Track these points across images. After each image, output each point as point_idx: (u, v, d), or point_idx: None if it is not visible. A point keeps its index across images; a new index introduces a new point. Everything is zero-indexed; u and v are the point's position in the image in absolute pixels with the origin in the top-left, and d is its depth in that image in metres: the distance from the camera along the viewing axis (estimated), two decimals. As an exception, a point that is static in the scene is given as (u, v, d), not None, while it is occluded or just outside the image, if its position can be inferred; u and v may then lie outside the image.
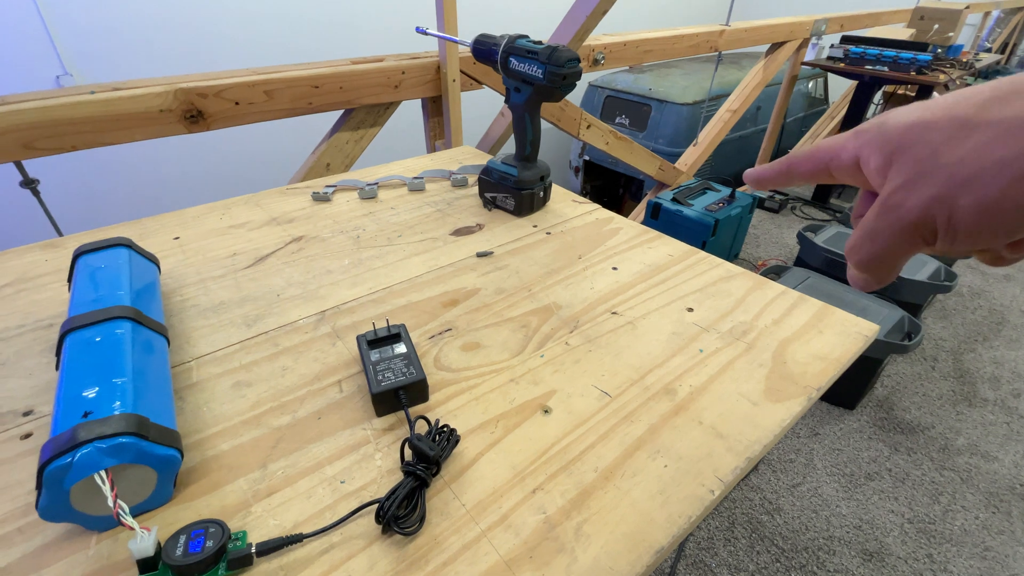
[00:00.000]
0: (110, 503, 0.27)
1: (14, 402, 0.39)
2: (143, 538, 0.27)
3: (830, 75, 3.51)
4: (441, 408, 0.39)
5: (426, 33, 0.70)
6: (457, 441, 0.35)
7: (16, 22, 1.78)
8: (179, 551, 0.27)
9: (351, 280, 0.54)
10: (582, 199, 0.73)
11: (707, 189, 1.84)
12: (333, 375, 0.42)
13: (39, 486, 0.27)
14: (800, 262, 1.72)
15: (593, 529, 0.31)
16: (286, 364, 0.43)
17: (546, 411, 0.39)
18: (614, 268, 0.57)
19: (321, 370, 0.42)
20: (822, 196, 2.61)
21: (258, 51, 2.12)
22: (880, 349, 1.30)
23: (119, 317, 0.38)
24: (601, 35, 1.45)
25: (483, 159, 0.85)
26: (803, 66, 2.36)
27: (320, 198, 0.71)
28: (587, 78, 3.17)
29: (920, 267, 1.56)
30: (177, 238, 0.62)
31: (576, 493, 0.33)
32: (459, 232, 0.64)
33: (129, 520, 0.27)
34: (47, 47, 1.89)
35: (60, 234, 0.92)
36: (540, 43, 0.58)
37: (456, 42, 0.67)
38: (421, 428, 0.36)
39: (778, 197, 2.59)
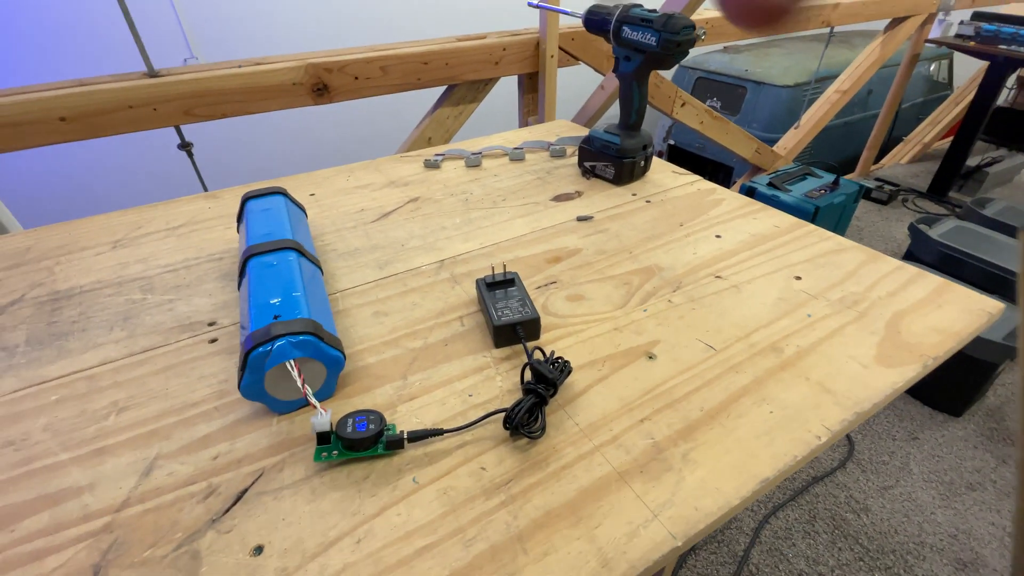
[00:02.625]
0: (299, 385, 0.34)
1: (201, 315, 0.48)
2: (322, 415, 0.33)
3: (956, 56, 3.13)
4: (551, 346, 0.43)
5: (538, 6, 0.73)
6: (570, 371, 0.38)
7: (151, 9, 2.01)
8: (349, 429, 0.33)
9: (463, 236, 0.59)
10: (683, 171, 0.73)
11: (807, 175, 1.73)
12: (455, 312, 0.47)
13: (243, 368, 0.34)
14: (910, 256, 1.58)
15: (700, 456, 0.33)
16: (415, 300, 0.49)
17: (651, 357, 0.41)
18: (717, 236, 0.57)
19: (444, 307, 0.48)
20: (940, 188, 2.35)
21: (374, 30, 2.24)
22: (996, 352, 1.18)
23: (288, 248, 0.45)
24: (702, 9, 1.41)
25: (580, 132, 0.88)
26: (927, 44, 2.12)
27: (431, 165, 0.77)
28: (678, 59, 3.05)
29: (1058, 269, 1.38)
30: (313, 194, 0.70)
31: (683, 426, 0.35)
32: (559, 198, 0.67)
33: (313, 400, 0.34)
34: (177, 32, 2.13)
35: (206, 189, 1.06)
36: (655, 11, 0.59)
37: (568, 13, 0.70)
38: (538, 357, 0.40)
39: (888, 188, 2.37)
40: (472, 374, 0.40)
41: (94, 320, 0.48)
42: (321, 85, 0.94)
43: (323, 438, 0.33)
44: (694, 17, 1.31)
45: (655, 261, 0.53)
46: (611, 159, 0.68)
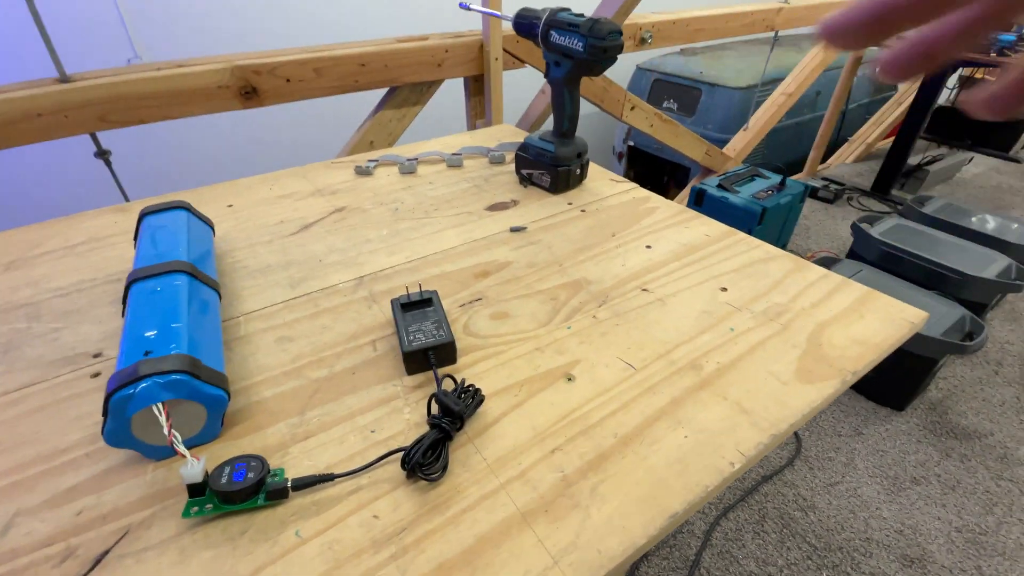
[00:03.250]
0: (165, 431, 0.30)
1: (87, 345, 0.44)
2: (193, 465, 0.30)
3: (901, 57, 3.27)
4: (468, 371, 0.40)
5: (469, 8, 0.71)
6: (481, 400, 0.36)
7: (94, 8, 1.89)
8: (224, 479, 0.30)
9: (388, 249, 0.56)
10: (620, 178, 0.72)
11: (756, 176, 1.77)
12: (368, 335, 0.44)
13: (105, 413, 0.31)
14: (853, 255, 1.63)
15: (608, 490, 0.31)
16: (325, 323, 0.46)
17: (569, 379, 0.39)
18: (648, 247, 0.56)
19: (357, 330, 0.45)
20: (883, 187, 2.45)
21: (310, 30, 2.17)
22: (935, 348, 1.22)
23: (177, 271, 0.41)
24: (648, 13, 1.41)
25: (521, 137, 0.86)
26: (869, 49, 2.21)
27: (362, 172, 0.74)
28: (634, 60, 3.09)
29: (988, 264, 1.45)
30: (231, 205, 0.66)
31: (594, 456, 0.33)
32: (494, 207, 0.65)
33: (181, 448, 0.30)
34: (120, 31, 2.01)
35: (127, 200, 1.00)
36: (581, 16, 0.57)
37: (498, 16, 0.67)
38: (448, 387, 0.38)
39: (833, 187, 2.46)
40: (378, 406, 0.37)
41: (-39, 355, 0.42)
42: (250, 88, 0.89)
43: (196, 490, 0.30)
44: (639, 20, 1.31)
45: (584, 274, 0.51)
46: (547, 167, 0.66)
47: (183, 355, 0.33)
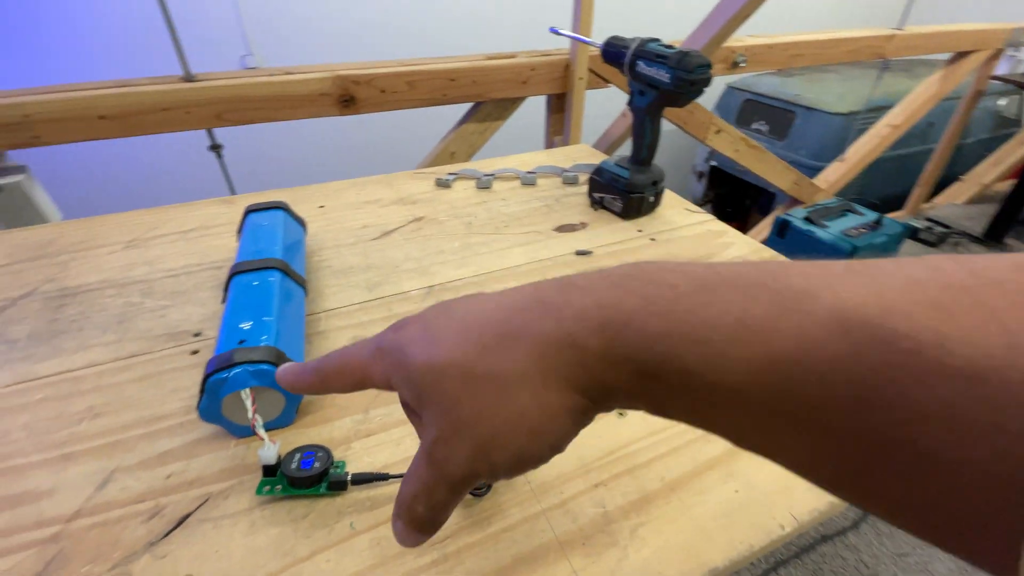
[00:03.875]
0: (249, 415, 0.34)
1: (189, 324, 0.49)
2: (269, 448, 0.33)
3: (1034, 91, 2.92)
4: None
5: (559, 33, 0.73)
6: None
7: (217, 8, 2.10)
8: (294, 465, 0.33)
9: (458, 261, 0.59)
10: (696, 208, 0.71)
11: (848, 211, 1.65)
12: (431, 344, 0.46)
13: (202, 391, 0.35)
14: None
15: (649, 533, 0.31)
16: (393, 328, 0.49)
17: (620, 415, 0.39)
18: (717, 284, 0.55)
19: (422, 338, 0.47)
20: (996, 234, 2.20)
21: (404, 42, 2.29)
22: None
23: (272, 267, 0.46)
24: (745, 36, 1.37)
25: (598, 158, 0.86)
26: (992, 81, 1.99)
27: (442, 184, 0.77)
28: (726, 79, 2.98)
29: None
30: (322, 207, 0.71)
31: (638, 497, 0.33)
32: (562, 228, 0.66)
33: (262, 432, 0.34)
34: (236, 30, 2.22)
35: (233, 192, 1.10)
36: (671, 47, 0.57)
37: (588, 43, 0.68)
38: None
39: (938, 230, 2.24)
40: (434, 414, 0.39)
41: (92, 320, 0.50)
42: (348, 96, 0.96)
43: (269, 471, 0.33)
44: (733, 43, 1.27)
45: (647, 307, 0.51)
46: (619, 192, 0.66)
47: (271, 347, 0.36)
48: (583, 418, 0.19)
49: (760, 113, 2.84)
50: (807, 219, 1.60)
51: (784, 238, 1.64)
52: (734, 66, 1.31)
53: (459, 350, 0.19)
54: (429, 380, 0.19)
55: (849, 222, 1.58)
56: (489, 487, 0.33)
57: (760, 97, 2.80)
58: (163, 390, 0.42)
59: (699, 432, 0.38)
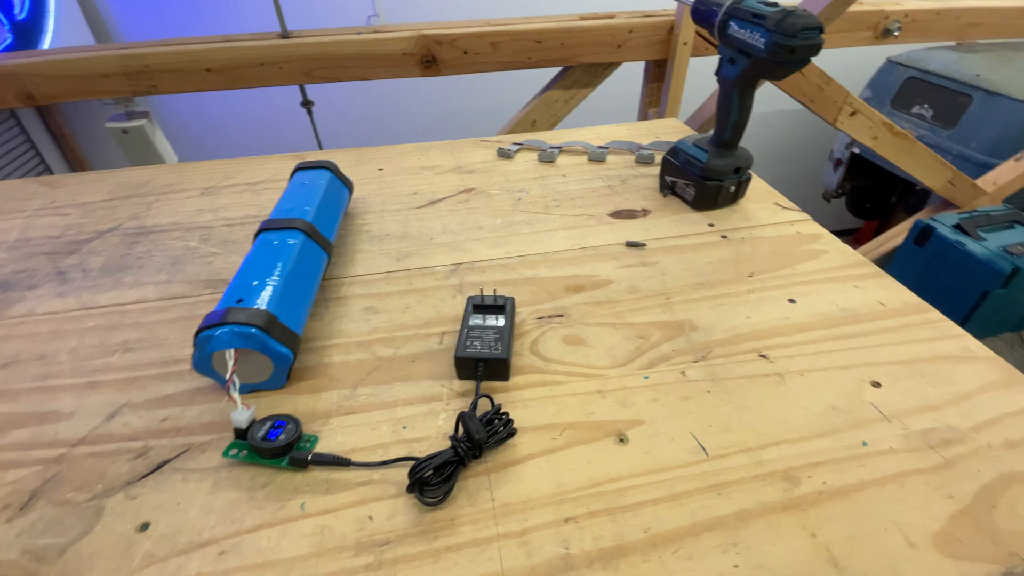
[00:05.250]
0: (228, 375, 0.34)
1: (228, 273, 0.51)
2: (241, 412, 0.33)
3: None
4: (516, 393, 0.37)
5: (649, -12, 0.63)
6: (512, 434, 0.33)
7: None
8: (260, 434, 0.32)
9: (495, 240, 0.55)
10: (789, 204, 0.59)
11: (1016, 222, 1.32)
12: (440, 325, 0.44)
13: (194, 345, 0.35)
14: None
15: (610, 594, 0.26)
16: (409, 303, 0.47)
17: (621, 440, 0.34)
18: (791, 300, 0.45)
19: (433, 317, 0.45)
20: None
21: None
22: None
23: (296, 228, 0.46)
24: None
25: (685, 135, 0.76)
26: None
27: (503, 154, 0.73)
28: (885, 51, 2.52)
29: None
30: (381, 169, 0.71)
31: (611, 545, 0.28)
32: (619, 214, 0.58)
33: (235, 394, 0.34)
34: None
35: (321, 147, 1.16)
36: (774, 4, 0.47)
37: (680, 1, 0.59)
38: (484, 405, 0.35)
39: None
40: (419, 403, 0.37)
41: (153, 259, 0.54)
42: (430, 57, 0.94)
43: (240, 434, 0.33)
44: (889, 7, 1.04)
45: (692, 316, 0.44)
46: (693, 178, 0.57)
47: (264, 311, 0.36)
48: None
49: (925, 94, 2.36)
50: (958, 227, 1.31)
51: (923, 247, 1.37)
52: (885, 35, 1.08)
53: None
54: None
55: (1015, 236, 1.27)
56: (446, 496, 0.30)
57: (928, 76, 2.32)
58: (187, 334, 0.44)
59: (711, 481, 0.31)
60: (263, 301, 0.37)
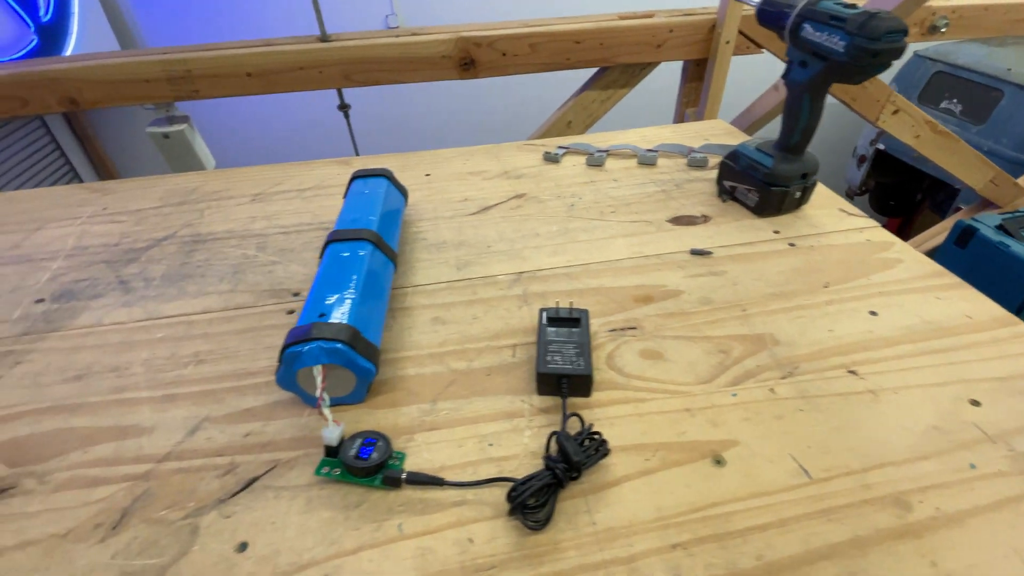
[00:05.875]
0: (318, 392, 0.33)
1: (291, 283, 0.51)
2: (332, 429, 0.33)
3: None
4: (599, 410, 0.37)
5: (707, -12, 0.62)
6: (605, 454, 0.32)
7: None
8: (352, 452, 0.32)
9: (553, 248, 0.54)
10: (855, 210, 0.58)
11: (1066, 223, 1.28)
12: (511, 337, 0.43)
13: (279, 360, 0.35)
14: None
15: (732, 627, 0.25)
16: (477, 314, 0.46)
17: (718, 462, 0.33)
18: (872, 313, 0.44)
19: (503, 329, 0.44)
20: None
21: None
22: None
23: (364, 239, 0.45)
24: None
25: (735, 139, 0.74)
26: None
27: (550, 158, 0.72)
28: (913, 46, 2.46)
29: None
30: (428, 175, 0.70)
31: (724, 574, 0.27)
32: (678, 220, 0.57)
33: (327, 411, 0.33)
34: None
35: (357, 152, 1.16)
36: (853, 6, 0.45)
37: (743, 1, 0.57)
38: (573, 426, 0.35)
39: None
40: (501, 419, 0.36)
41: (213, 268, 0.54)
42: (468, 59, 0.93)
43: (331, 451, 0.33)
44: (935, 1, 1.01)
45: (772, 330, 0.42)
46: (756, 184, 0.56)
47: (348, 326, 0.36)
48: None
49: (953, 89, 2.31)
50: (1001, 227, 1.27)
51: (965, 248, 1.34)
52: (931, 31, 1.05)
53: None
54: None
55: (1066, 238, 1.23)
56: (547, 521, 0.29)
57: (957, 70, 2.27)
58: (258, 346, 0.44)
59: (819, 505, 0.30)
60: (344, 315, 0.37)
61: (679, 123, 0.84)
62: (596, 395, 0.38)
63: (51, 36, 2.04)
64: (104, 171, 2.40)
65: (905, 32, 0.43)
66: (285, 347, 0.34)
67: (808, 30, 0.48)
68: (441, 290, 0.49)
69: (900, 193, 2.79)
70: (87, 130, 2.32)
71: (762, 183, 0.55)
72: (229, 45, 0.90)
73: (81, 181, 2.25)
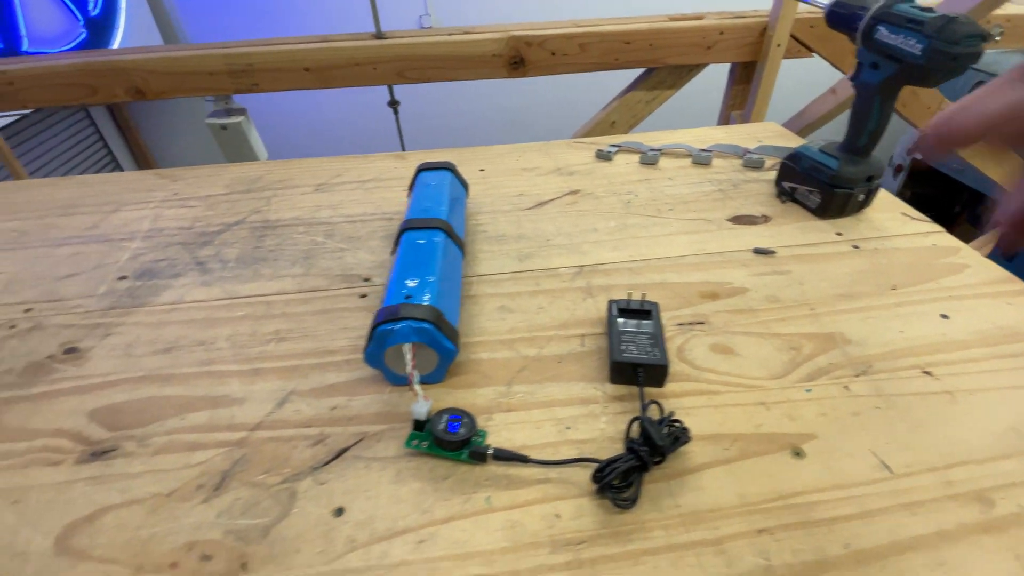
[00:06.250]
0: (408, 369, 0.35)
1: (361, 268, 0.53)
2: (422, 404, 0.34)
3: None
4: (673, 400, 0.37)
5: (771, -10, 0.62)
6: (687, 441, 0.33)
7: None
8: (441, 426, 0.33)
9: (613, 243, 0.55)
10: (917, 214, 0.57)
11: (1123, 238, 1.24)
12: (579, 327, 0.44)
13: (369, 338, 0.37)
14: None
15: (825, 610, 0.26)
16: (542, 304, 0.47)
17: (797, 454, 0.33)
18: (943, 316, 0.44)
19: (569, 319, 0.45)
20: None
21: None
22: None
23: (437, 228, 0.47)
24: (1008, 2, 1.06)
25: (791, 141, 0.74)
26: None
27: (602, 156, 0.73)
28: (957, 55, 2.39)
29: None
30: (482, 170, 0.72)
31: (813, 559, 0.28)
32: (738, 220, 0.58)
33: (417, 387, 0.35)
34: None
35: (403, 147, 1.18)
36: (930, 10, 0.45)
37: (809, 2, 0.57)
38: (652, 414, 0.35)
39: None
40: (576, 404, 0.37)
41: (285, 253, 0.56)
42: (518, 58, 0.94)
43: (419, 425, 0.34)
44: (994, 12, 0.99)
45: (842, 329, 0.43)
46: (819, 185, 0.56)
47: (433, 307, 0.37)
48: None
49: (999, 99, 2.24)
50: (1055, 242, 1.24)
51: (1012, 261, 1.30)
52: (981, 40, 1.02)
53: None
54: None
55: (1124, 253, 1.19)
56: (635, 501, 0.30)
57: (1004, 79, 2.20)
58: (334, 326, 0.46)
59: (903, 499, 0.31)
60: (428, 298, 0.38)
61: (725, 125, 0.84)
62: (669, 386, 0.38)
63: (99, 30, 2.12)
64: (143, 161, 2.49)
65: (983, 37, 0.43)
66: (376, 325, 0.36)
67: (883, 32, 0.48)
68: (505, 280, 0.50)
69: (937, 204, 2.72)
70: (129, 122, 2.40)
71: (826, 185, 0.55)
72: (288, 40, 0.93)
73: (122, 170, 2.33)
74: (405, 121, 1.15)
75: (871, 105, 0.51)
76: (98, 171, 2.21)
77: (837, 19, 0.52)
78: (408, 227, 0.47)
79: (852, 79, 0.53)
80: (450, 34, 0.94)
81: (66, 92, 0.92)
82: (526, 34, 0.93)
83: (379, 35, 0.94)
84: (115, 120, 2.36)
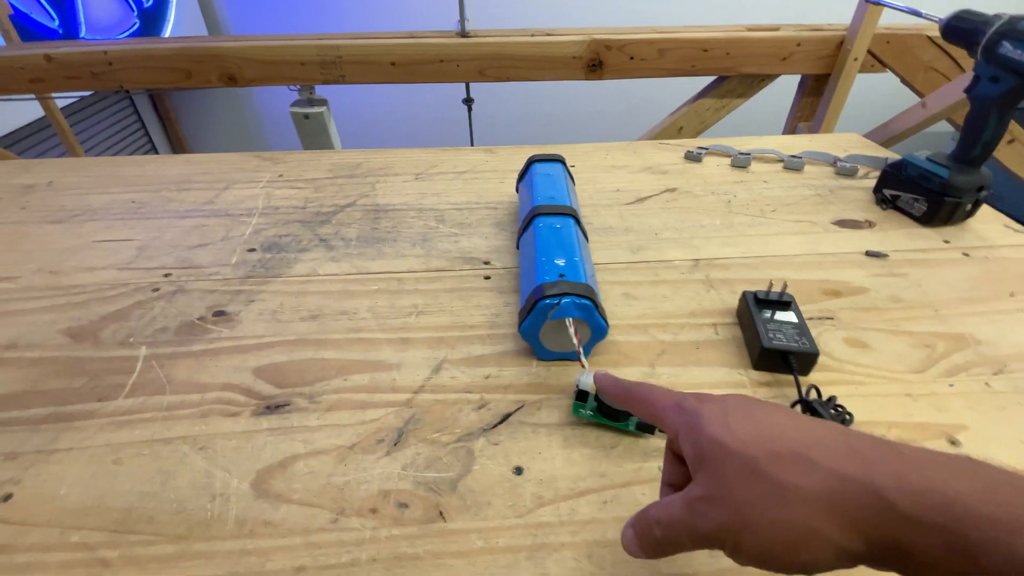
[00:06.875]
0: (574, 342, 0.37)
1: (478, 252, 0.55)
2: (587, 375, 0.36)
3: None
4: (825, 389, 0.39)
5: (878, 3, 0.63)
6: (851, 423, 0.35)
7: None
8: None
9: (724, 239, 0.57)
10: (1019, 227, 0.58)
11: None
12: (709, 317, 0.46)
13: (529, 311, 0.39)
14: None
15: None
16: (665, 293, 0.49)
17: (953, 442, 0.35)
18: (1067, 322, 0.45)
19: (697, 309, 0.47)
20: None
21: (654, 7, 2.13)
22: None
23: (569, 214, 0.49)
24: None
25: (876, 151, 0.75)
26: None
27: (692, 157, 0.75)
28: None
29: None
30: (573, 166, 0.74)
31: (993, 537, 0.29)
32: (843, 223, 0.59)
33: (584, 359, 0.36)
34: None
35: (472, 142, 1.21)
36: (1067, 25, 0.46)
37: (919, 15, 0.59)
38: (811, 397, 0.37)
39: None
40: (725, 387, 0.39)
41: (402, 234, 0.58)
42: (597, 61, 0.97)
43: (582, 395, 0.36)
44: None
45: (970, 330, 0.44)
46: (927, 193, 0.57)
47: (588, 285, 0.39)
48: (848, 562, 0.19)
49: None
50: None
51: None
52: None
53: (751, 447, 0.21)
54: (713, 452, 0.22)
55: None
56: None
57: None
58: (468, 304, 0.48)
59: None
60: (582, 276, 0.40)
61: (793, 134, 0.85)
62: (813, 375, 0.40)
63: (151, 20, 2.19)
64: (180, 149, 2.55)
65: (1122, 52, 0.44)
66: (537, 300, 0.38)
67: (1007, 47, 0.49)
68: (622, 269, 0.52)
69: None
70: (169, 112, 2.47)
71: (935, 193, 0.56)
72: (376, 35, 0.96)
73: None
74: (466, 119, 1.18)
75: (988, 117, 0.52)
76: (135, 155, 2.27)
77: (955, 32, 0.54)
78: (538, 212, 0.49)
79: (968, 91, 0.54)
80: (532, 35, 0.96)
81: (161, 75, 0.96)
82: (607, 37, 0.95)
83: (463, 33, 0.97)
84: (156, 109, 2.43)
